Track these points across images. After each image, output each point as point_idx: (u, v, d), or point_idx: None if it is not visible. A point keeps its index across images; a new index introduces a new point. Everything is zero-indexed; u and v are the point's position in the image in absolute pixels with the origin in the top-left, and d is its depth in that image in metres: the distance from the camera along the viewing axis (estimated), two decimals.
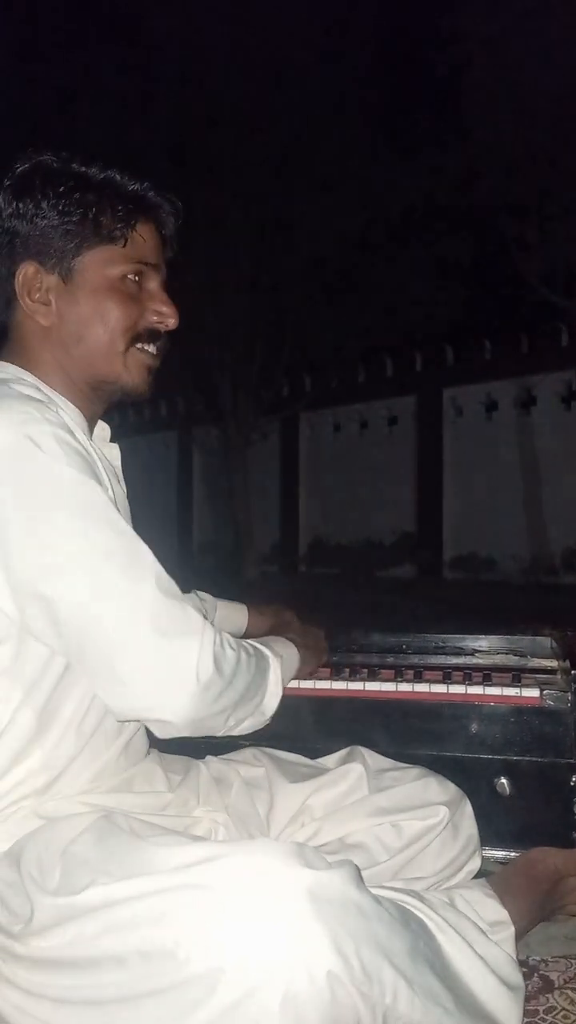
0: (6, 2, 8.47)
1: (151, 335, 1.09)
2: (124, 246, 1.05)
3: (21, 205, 1.03)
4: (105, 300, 1.05)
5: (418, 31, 8.10)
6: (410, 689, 1.41)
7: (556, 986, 1.27)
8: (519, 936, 1.18)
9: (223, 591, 1.66)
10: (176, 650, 0.92)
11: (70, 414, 1.05)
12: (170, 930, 0.81)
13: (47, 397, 1.02)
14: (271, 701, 1.06)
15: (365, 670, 1.45)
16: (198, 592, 1.56)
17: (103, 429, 1.16)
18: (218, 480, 12.51)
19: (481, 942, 1.02)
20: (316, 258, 9.24)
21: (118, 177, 1.06)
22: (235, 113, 8.93)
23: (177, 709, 0.94)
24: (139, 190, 1.07)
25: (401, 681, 1.43)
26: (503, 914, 1.13)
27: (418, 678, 1.44)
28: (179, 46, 8.82)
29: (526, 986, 1.10)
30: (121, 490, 1.11)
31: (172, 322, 1.09)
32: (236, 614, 1.60)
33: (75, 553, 0.92)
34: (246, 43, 8.82)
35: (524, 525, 10.73)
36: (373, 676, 1.45)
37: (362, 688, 1.42)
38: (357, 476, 12.45)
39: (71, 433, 0.96)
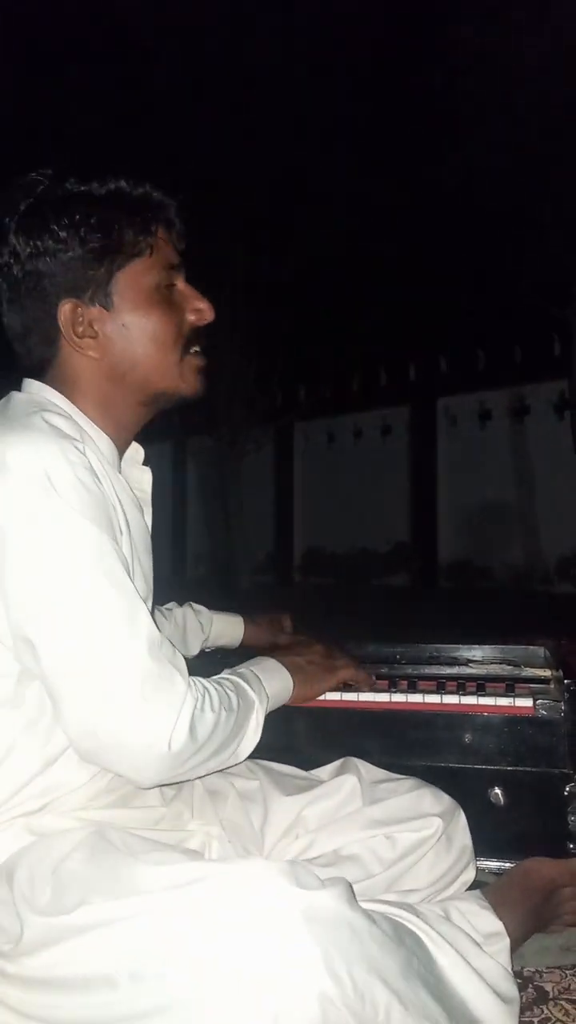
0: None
1: (196, 338, 1.09)
2: (151, 255, 1.04)
3: (39, 243, 1.01)
4: (150, 317, 1.04)
5: (414, 39, 8.15)
6: (404, 699, 1.41)
7: (551, 997, 1.26)
8: (514, 947, 1.18)
9: (218, 601, 1.66)
10: (153, 718, 0.92)
11: (101, 446, 1.04)
12: (161, 951, 0.80)
13: (78, 428, 1.01)
14: (246, 747, 1.06)
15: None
16: (193, 604, 1.56)
17: (136, 451, 1.14)
18: (212, 490, 12.50)
19: (476, 955, 1.01)
20: (310, 268, 9.28)
21: (123, 186, 1.04)
22: (228, 122, 8.98)
23: (142, 771, 0.94)
24: (146, 194, 1.06)
25: (395, 691, 1.43)
26: (498, 926, 1.13)
27: (412, 688, 1.44)
28: (173, 58, 8.86)
29: (521, 997, 1.09)
30: (142, 519, 1.09)
31: (209, 316, 1.09)
32: (232, 626, 1.60)
33: (68, 604, 0.91)
34: (240, 54, 8.88)
35: (518, 534, 10.75)
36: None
37: (356, 699, 1.41)
38: (351, 485, 12.46)
39: (93, 473, 0.95)
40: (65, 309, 1.02)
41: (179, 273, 1.09)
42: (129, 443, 1.12)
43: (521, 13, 7.12)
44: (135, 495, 1.10)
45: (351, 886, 0.86)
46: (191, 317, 1.08)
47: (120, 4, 8.90)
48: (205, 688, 0.99)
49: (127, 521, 1.02)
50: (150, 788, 0.99)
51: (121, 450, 1.10)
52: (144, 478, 1.14)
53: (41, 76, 8.88)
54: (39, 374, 1.07)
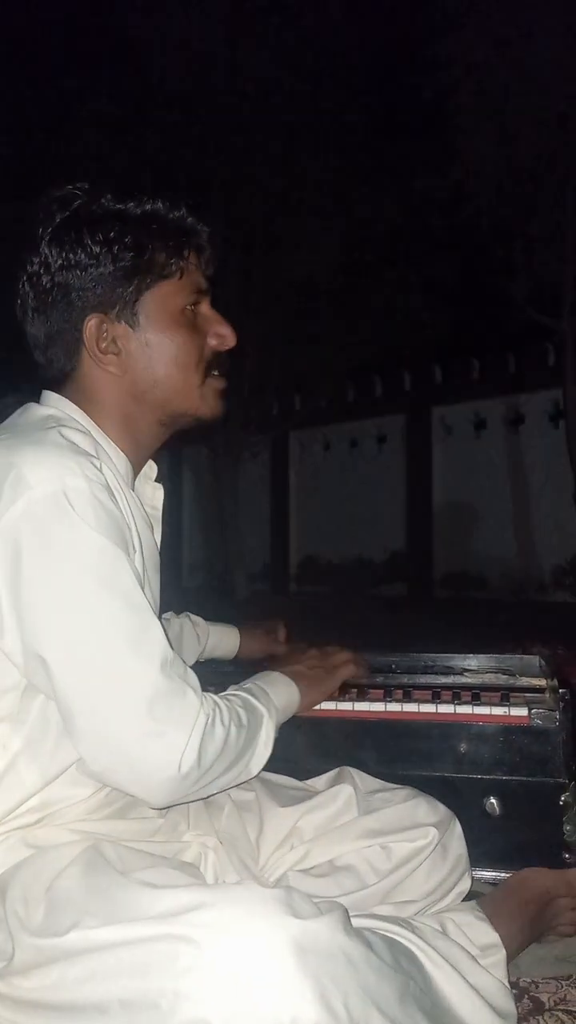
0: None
1: (218, 362, 1.10)
2: (181, 278, 1.05)
3: (71, 256, 1.01)
4: (174, 338, 1.05)
5: (406, 55, 8.21)
6: (399, 709, 1.41)
7: (546, 1008, 1.26)
8: (510, 958, 1.18)
9: (214, 610, 1.66)
10: (164, 739, 0.91)
11: (117, 463, 1.04)
12: (153, 981, 0.79)
13: (95, 444, 1.01)
14: (258, 762, 1.06)
15: (354, 690, 1.45)
16: (190, 615, 1.56)
17: (150, 468, 1.15)
18: (208, 499, 12.50)
19: (473, 971, 1.01)
20: (305, 278, 9.30)
21: (159, 209, 1.05)
22: (223, 134, 9.02)
23: (152, 792, 0.94)
24: (181, 218, 1.06)
25: (390, 701, 1.43)
26: (494, 937, 1.13)
27: (407, 698, 1.44)
28: (168, 68, 8.90)
29: (517, 1008, 1.09)
30: (152, 537, 1.09)
31: (231, 341, 1.10)
32: (227, 637, 1.60)
33: (82, 621, 0.91)
34: (235, 65, 8.92)
35: (514, 543, 10.76)
36: (362, 696, 1.45)
37: (351, 708, 1.41)
38: (347, 494, 12.47)
39: (109, 490, 0.95)
40: (91, 324, 1.03)
41: (205, 297, 1.10)
42: (145, 461, 1.13)
43: (514, 28, 7.17)
44: (146, 512, 1.10)
45: (347, 911, 0.86)
46: (213, 342, 1.09)
47: (117, 11, 8.96)
48: (216, 704, 0.99)
49: (139, 539, 1.02)
50: (162, 807, 0.99)
51: (136, 468, 1.10)
52: (157, 495, 1.14)
53: (38, 80, 8.91)
54: (59, 385, 1.07)
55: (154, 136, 8.98)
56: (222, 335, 1.09)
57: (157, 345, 1.05)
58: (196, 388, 1.07)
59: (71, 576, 0.91)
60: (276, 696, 1.13)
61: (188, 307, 1.07)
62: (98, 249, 1.01)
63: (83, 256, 1.01)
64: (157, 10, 8.65)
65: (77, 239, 1.01)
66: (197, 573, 13.55)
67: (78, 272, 1.02)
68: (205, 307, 1.10)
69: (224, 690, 1.13)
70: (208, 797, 1.06)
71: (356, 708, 1.42)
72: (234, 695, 1.08)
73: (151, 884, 0.88)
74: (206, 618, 1.59)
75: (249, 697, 1.08)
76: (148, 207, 1.04)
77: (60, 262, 1.02)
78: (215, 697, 1.01)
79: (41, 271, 1.03)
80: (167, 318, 1.05)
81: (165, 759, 0.91)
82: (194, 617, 1.56)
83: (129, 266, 1.02)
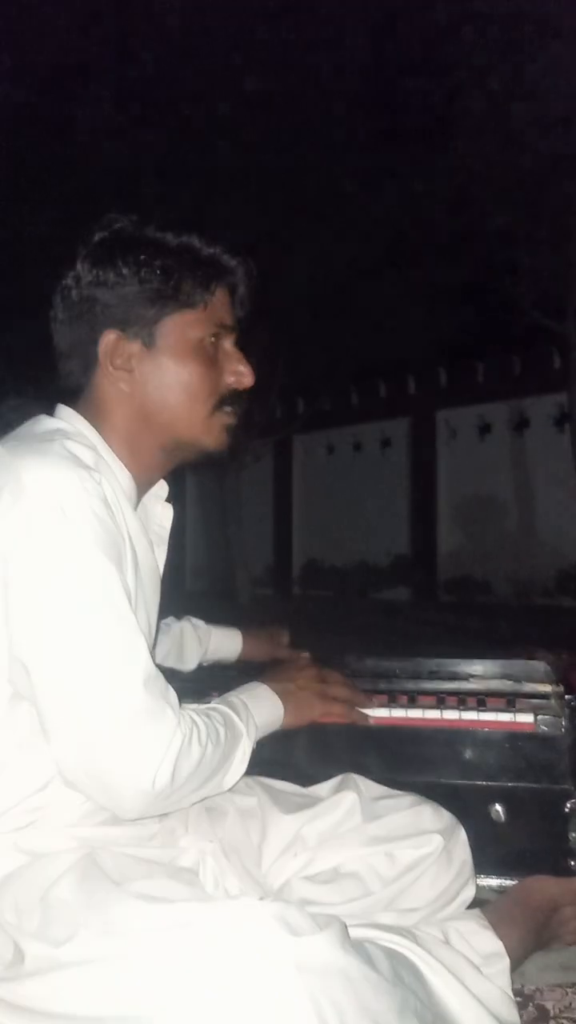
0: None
1: (233, 398, 1.11)
2: (204, 310, 1.06)
3: (101, 273, 1.05)
4: (187, 366, 1.06)
5: (410, 59, 8.22)
6: (404, 715, 1.40)
7: (551, 1015, 1.25)
8: (514, 966, 1.17)
9: (217, 614, 1.66)
10: (140, 752, 0.91)
11: (120, 479, 1.05)
12: (149, 997, 0.79)
13: (99, 459, 1.02)
14: (231, 779, 1.06)
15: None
16: (192, 619, 1.56)
17: (161, 488, 1.16)
18: (212, 503, 12.51)
19: (476, 981, 1.01)
20: (309, 281, 9.31)
21: (195, 242, 1.07)
22: (227, 137, 9.04)
23: (122, 805, 0.94)
24: (215, 254, 1.08)
25: (395, 707, 1.42)
26: (498, 946, 1.13)
27: (412, 703, 1.43)
28: (172, 71, 8.92)
29: (521, 1015, 1.09)
30: (154, 557, 1.10)
31: (248, 381, 1.11)
32: (230, 640, 1.60)
33: (67, 630, 0.91)
34: (239, 69, 8.94)
35: (518, 547, 10.75)
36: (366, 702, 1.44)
37: None
38: (351, 498, 12.47)
39: (106, 503, 0.96)
40: (109, 338, 1.05)
41: (229, 334, 1.11)
42: (152, 481, 1.14)
43: (518, 32, 7.18)
44: (153, 531, 1.11)
45: (345, 926, 0.85)
46: (230, 379, 1.10)
47: (120, 17, 8.99)
48: (194, 722, 0.99)
49: (135, 557, 1.02)
50: (132, 820, 0.99)
51: (143, 486, 1.11)
52: (166, 515, 1.16)
53: (40, 87, 8.94)
54: (74, 400, 1.09)
55: (155, 139, 9.00)
56: (239, 373, 1.11)
57: (169, 370, 1.06)
58: (203, 419, 1.08)
59: (60, 586, 0.91)
60: (258, 713, 1.13)
61: (208, 340, 1.08)
62: (127, 270, 1.04)
63: (112, 275, 1.04)
64: (162, 9, 8.67)
65: (109, 259, 1.05)
66: (200, 576, 13.55)
67: (105, 289, 1.05)
68: (228, 343, 1.11)
69: (225, 692, 1.13)
70: (179, 810, 1.06)
71: None
72: (214, 710, 1.07)
73: (147, 897, 0.88)
74: (209, 621, 1.59)
75: (230, 713, 1.08)
76: (185, 239, 1.07)
77: (90, 278, 1.05)
78: (193, 714, 1.01)
79: (73, 284, 1.07)
80: (184, 346, 1.06)
81: (138, 774, 0.91)
82: (196, 620, 1.56)
83: (154, 289, 1.04)
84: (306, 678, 1.26)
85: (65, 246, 1.10)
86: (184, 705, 1.00)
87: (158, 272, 1.04)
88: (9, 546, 0.90)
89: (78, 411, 1.07)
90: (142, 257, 1.04)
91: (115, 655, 0.92)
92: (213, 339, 1.08)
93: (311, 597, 12.22)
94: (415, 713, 1.40)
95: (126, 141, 8.85)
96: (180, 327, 1.06)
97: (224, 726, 1.04)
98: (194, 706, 1.05)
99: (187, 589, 12.84)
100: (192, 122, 8.89)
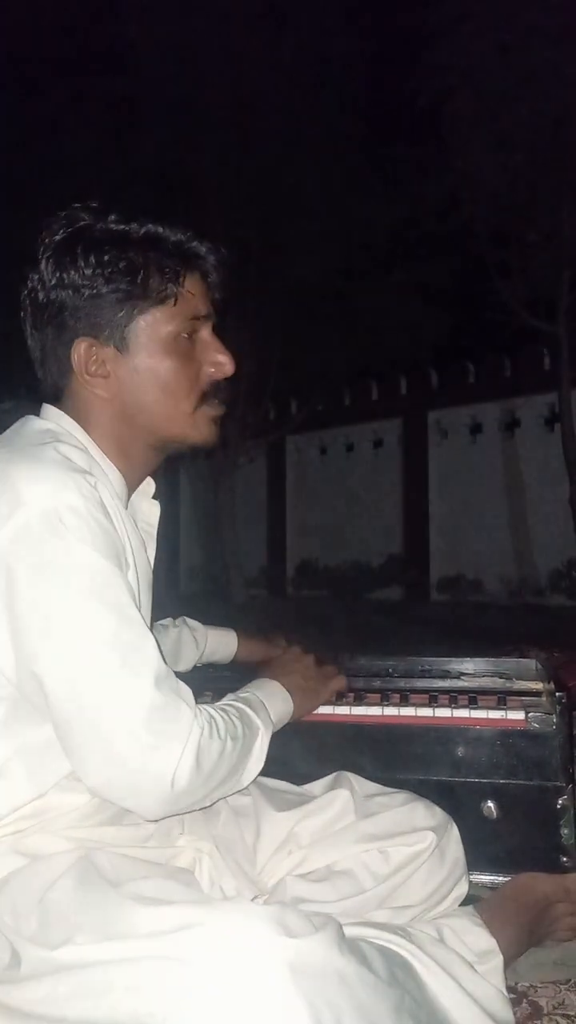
0: None
1: (215, 390, 1.08)
2: (176, 304, 1.03)
3: (66, 276, 1.01)
4: (164, 364, 1.04)
5: (401, 61, 8.24)
6: (396, 713, 1.41)
7: (545, 1012, 1.26)
8: (508, 963, 1.17)
9: (211, 615, 1.66)
10: (159, 754, 0.91)
11: (112, 479, 1.04)
12: (145, 1001, 0.79)
13: (90, 460, 1.01)
14: (250, 774, 1.06)
15: (351, 694, 1.45)
16: (187, 620, 1.56)
17: (148, 484, 1.14)
18: (205, 504, 12.49)
19: (470, 979, 1.01)
20: (301, 283, 9.31)
21: (160, 231, 1.03)
22: (219, 139, 9.03)
23: (147, 808, 0.95)
24: (182, 241, 1.05)
25: (387, 705, 1.43)
26: (492, 943, 1.13)
27: (404, 702, 1.44)
28: (164, 74, 8.91)
29: (515, 1012, 1.09)
30: (145, 555, 1.09)
31: (228, 369, 1.08)
32: (225, 642, 1.60)
33: (76, 638, 0.90)
34: (231, 71, 8.93)
35: (510, 547, 10.77)
36: (359, 700, 1.45)
37: (348, 712, 1.42)
38: (344, 499, 12.48)
39: (104, 508, 0.95)
40: (80, 348, 1.02)
41: (205, 323, 1.08)
42: (141, 479, 1.12)
43: (510, 33, 7.20)
44: (142, 528, 1.10)
45: (340, 926, 0.85)
46: (209, 369, 1.07)
47: (114, 16, 8.98)
48: (211, 717, 0.99)
49: (133, 557, 1.02)
50: (157, 820, 0.99)
51: (132, 484, 1.10)
52: (153, 512, 1.14)
53: (34, 91, 8.92)
54: (57, 400, 1.07)
55: (150, 142, 8.99)
56: (219, 363, 1.08)
57: (146, 371, 1.04)
58: (186, 415, 1.06)
59: (65, 593, 0.90)
60: (272, 707, 1.14)
61: (183, 334, 1.05)
62: (91, 272, 1.00)
63: (76, 277, 1.01)
64: (155, 15, 8.66)
65: (72, 259, 1.01)
66: (194, 578, 13.54)
67: (71, 292, 1.01)
68: (205, 333, 1.08)
69: (223, 694, 1.13)
70: (202, 808, 1.06)
71: (353, 712, 1.42)
72: (231, 706, 1.07)
73: (144, 899, 0.88)
74: (204, 623, 1.59)
75: (247, 709, 1.08)
76: (150, 229, 1.03)
77: (54, 280, 1.02)
78: (210, 709, 1.01)
79: (38, 287, 1.03)
80: (157, 345, 1.04)
81: (161, 773, 0.91)
82: (191, 622, 1.56)
83: (122, 290, 1.01)
84: (306, 667, 1.29)
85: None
86: (198, 703, 1.00)
87: (124, 272, 1.00)
88: (9, 558, 0.90)
89: (63, 411, 1.05)
90: (106, 257, 1.00)
91: (125, 657, 0.91)
92: (188, 332, 1.05)
93: (305, 597, 12.23)
94: (408, 711, 1.41)
95: (119, 143, 8.84)
96: (152, 326, 1.03)
97: (241, 721, 1.04)
98: (209, 704, 1.05)
99: (181, 590, 12.83)
100: (185, 122, 8.88)
